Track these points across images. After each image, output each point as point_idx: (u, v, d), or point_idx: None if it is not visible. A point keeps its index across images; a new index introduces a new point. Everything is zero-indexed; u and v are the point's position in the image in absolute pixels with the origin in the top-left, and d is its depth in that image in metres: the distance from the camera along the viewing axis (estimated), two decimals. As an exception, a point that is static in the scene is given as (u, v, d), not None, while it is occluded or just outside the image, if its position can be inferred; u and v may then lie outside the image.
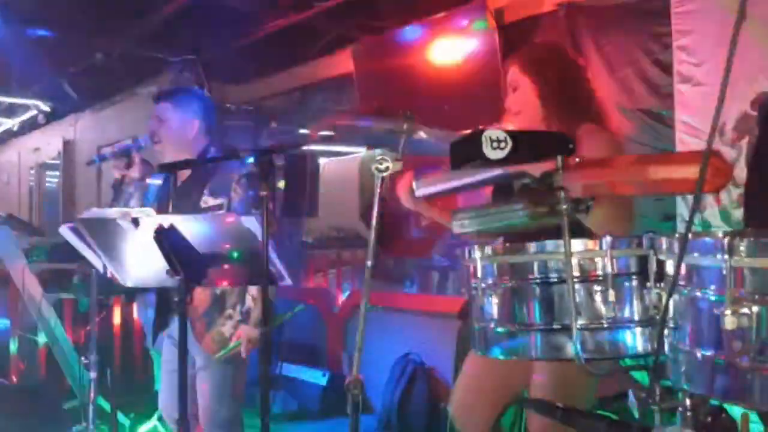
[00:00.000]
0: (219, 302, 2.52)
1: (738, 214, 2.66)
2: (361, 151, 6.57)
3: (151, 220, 2.10)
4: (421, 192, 1.83)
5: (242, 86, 6.20)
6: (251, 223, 1.93)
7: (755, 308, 0.93)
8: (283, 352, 5.00)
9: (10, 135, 9.55)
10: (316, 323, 5.21)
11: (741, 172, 2.70)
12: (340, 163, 6.73)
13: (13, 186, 9.95)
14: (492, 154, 1.12)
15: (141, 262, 2.19)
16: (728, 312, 0.94)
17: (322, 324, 5.20)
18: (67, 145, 8.53)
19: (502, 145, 1.13)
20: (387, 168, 1.50)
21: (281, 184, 6.14)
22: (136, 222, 2.06)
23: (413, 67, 4.56)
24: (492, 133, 1.13)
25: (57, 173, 9.00)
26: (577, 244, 1.24)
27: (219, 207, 2.53)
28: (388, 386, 4.35)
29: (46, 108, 8.01)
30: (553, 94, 1.95)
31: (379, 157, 1.50)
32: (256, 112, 6.39)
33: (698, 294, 1.03)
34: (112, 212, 2.27)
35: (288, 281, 2.10)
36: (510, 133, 1.15)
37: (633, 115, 3.26)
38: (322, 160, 6.55)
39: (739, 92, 2.57)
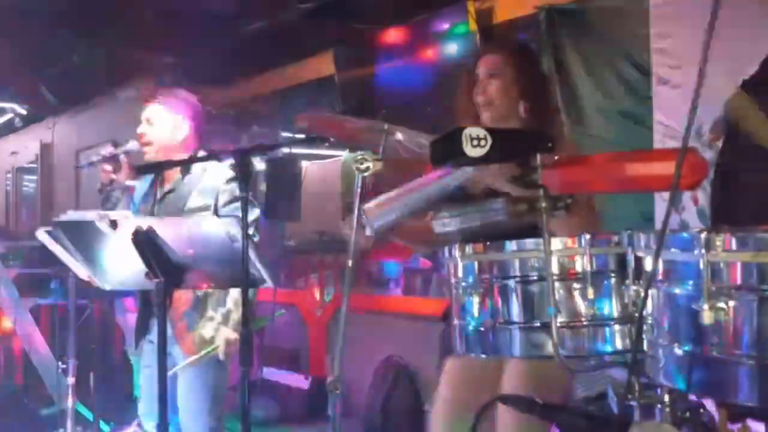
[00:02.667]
0: (200, 304, 2.51)
1: (715, 214, 2.70)
2: (343, 154, 6.56)
3: (130, 222, 2.08)
4: (377, 224, 1.67)
5: (222, 89, 6.16)
6: (231, 226, 1.92)
7: (732, 302, 0.94)
8: (265, 357, 4.97)
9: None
10: (299, 327, 5.20)
11: (718, 172, 2.74)
12: (323, 165, 6.70)
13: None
14: (472, 151, 1.13)
15: (120, 265, 2.17)
16: (706, 307, 0.95)
17: (304, 328, 5.19)
18: (45, 148, 8.42)
19: (482, 142, 1.13)
20: (368, 168, 1.50)
21: (263, 187, 6.11)
22: (114, 224, 2.04)
23: (394, 69, 4.57)
24: (472, 130, 1.13)
25: (34, 177, 8.89)
26: (557, 242, 1.25)
27: (206, 207, 2.52)
28: (372, 389, 4.35)
29: (22, 111, 7.90)
30: (532, 94, 1.97)
31: (359, 157, 1.50)
32: (237, 116, 6.36)
33: (676, 289, 1.04)
34: (90, 215, 2.25)
35: (269, 284, 2.08)
36: (490, 130, 1.15)
37: (612, 117, 3.29)
38: (303, 164, 6.53)
39: (716, 95, 2.61)
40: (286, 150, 6.46)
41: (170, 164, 2.56)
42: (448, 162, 1.19)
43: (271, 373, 4.90)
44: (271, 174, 5.98)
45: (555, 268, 1.24)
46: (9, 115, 8.17)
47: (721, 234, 0.97)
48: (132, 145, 2.64)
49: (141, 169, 2.46)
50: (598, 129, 3.31)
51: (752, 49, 2.59)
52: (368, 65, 4.74)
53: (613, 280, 1.25)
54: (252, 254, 1.94)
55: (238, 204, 2.50)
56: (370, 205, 1.57)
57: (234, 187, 2.47)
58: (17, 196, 9.43)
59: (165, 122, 2.60)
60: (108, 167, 2.68)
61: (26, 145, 8.77)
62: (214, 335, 2.48)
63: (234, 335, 2.43)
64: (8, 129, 8.66)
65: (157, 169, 2.50)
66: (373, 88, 4.70)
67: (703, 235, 0.97)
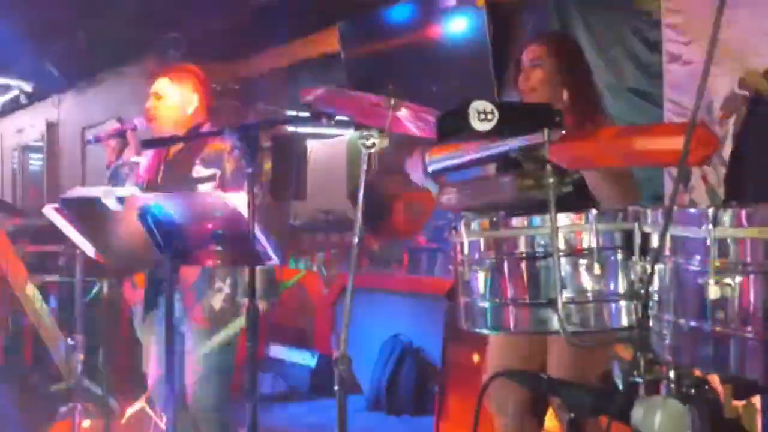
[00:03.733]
0: (209, 274, 2.51)
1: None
2: (349, 133, 6.54)
3: (137, 198, 2.08)
4: (433, 167, 1.83)
5: (228, 65, 6.13)
6: (238, 200, 1.92)
7: (738, 278, 0.94)
8: (272, 334, 5.00)
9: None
10: (305, 305, 5.22)
11: (728, 150, 2.71)
12: (328, 145, 6.70)
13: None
14: (479, 125, 1.12)
15: (127, 241, 2.18)
16: (712, 282, 0.95)
17: (310, 306, 5.21)
18: (51, 126, 8.42)
19: (490, 116, 1.12)
20: (373, 144, 1.49)
21: (268, 166, 6.11)
22: (121, 200, 2.04)
23: (401, 46, 4.53)
24: (479, 104, 1.12)
25: (40, 155, 8.90)
26: (563, 219, 1.24)
27: (211, 178, 2.51)
28: (377, 367, 4.38)
29: (28, 88, 7.89)
30: (574, 81, 2.03)
31: (365, 133, 1.49)
32: (242, 92, 6.34)
33: (682, 265, 1.04)
34: (97, 191, 2.25)
35: (276, 261, 2.09)
36: (497, 104, 1.14)
37: (622, 95, 3.26)
38: (309, 143, 6.52)
39: (727, 70, 2.57)
40: (291, 129, 6.45)
41: (175, 140, 2.56)
42: (454, 136, 1.18)
43: (278, 351, 4.93)
44: (277, 152, 5.97)
45: (561, 244, 1.24)
46: (15, 93, 8.16)
47: (729, 209, 0.96)
48: (138, 121, 2.64)
49: (146, 144, 2.46)
50: (608, 107, 3.29)
51: (765, 26, 2.56)
52: (375, 42, 4.70)
53: (619, 257, 1.25)
54: (258, 230, 1.94)
55: (243, 174, 2.51)
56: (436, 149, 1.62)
57: (239, 156, 2.46)
58: (23, 174, 9.45)
59: (173, 96, 2.59)
60: (113, 143, 2.68)
61: (32, 123, 8.77)
62: (222, 306, 2.50)
63: (261, 304, 2.44)
64: (14, 107, 8.65)
65: (162, 143, 2.49)
66: (379, 64, 4.67)
67: (710, 211, 0.96)
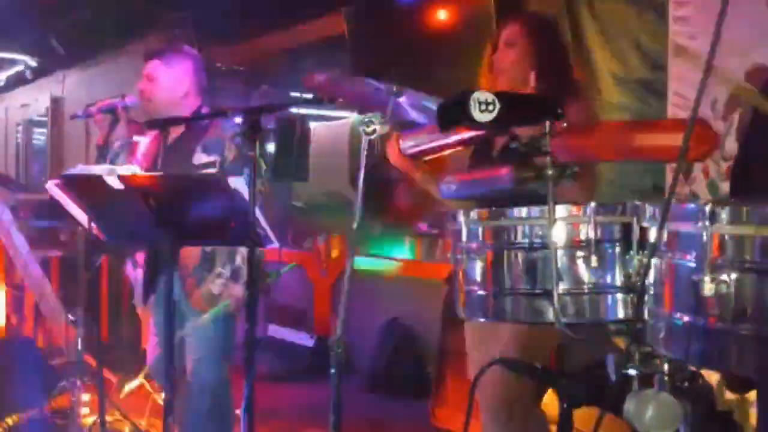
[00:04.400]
0: (209, 260, 2.52)
1: (725, 186, 2.67)
2: (352, 116, 6.52)
3: (138, 177, 2.09)
4: (407, 149, 1.85)
5: (233, 47, 6.11)
6: (239, 184, 1.93)
7: (734, 275, 0.94)
8: (271, 315, 5.03)
9: (-4, 90, 9.43)
10: (305, 287, 5.25)
11: (731, 145, 2.71)
12: (331, 127, 6.68)
13: (-1, 142, 9.85)
14: (480, 116, 1.12)
15: (127, 219, 2.19)
16: (707, 278, 0.95)
17: (310, 287, 5.24)
18: (55, 101, 8.41)
19: (491, 107, 1.12)
20: (374, 131, 1.49)
21: (271, 147, 6.10)
22: (122, 179, 2.05)
23: (407, 30, 4.50)
24: (480, 94, 1.12)
25: (44, 130, 8.90)
26: (561, 210, 1.24)
27: (212, 164, 2.52)
28: (376, 350, 4.42)
29: (33, 63, 7.87)
30: (546, 64, 1.98)
31: (366, 119, 1.49)
32: (246, 73, 6.31)
33: (679, 260, 1.05)
34: (99, 169, 2.26)
35: (275, 244, 2.10)
36: (499, 95, 1.14)
37: (627, 86, 3.25)
38: (312, 125, 6.50)
39: (733, 66, 2.56)
40: (294, 110, 6.43)
41: (178, 121, 2.55)
42: (455, 125, 1.19)
43: (277, 331, 4.96)
44: (280, 133, 5.96)
45: (559, 236, 1.24)
46: (20, 67, 8.14)
47: (726, 206, 0.96)
48: (130, 99, 2.62)
49: (148, 125, 2.45)
50: (613, 97, 3.28)
51: (765, 21, 2.54)
52: (380, 25, 4.67)
53: (617, 250, 1.25)
54: (258, 214, 1.95)
55: (244, 159, 2.51)
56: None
57: (240, 142, 2.46)
58: (27, 149, 9.45)
59: (165, 78, 2.58)
60: (102, 119, 2.66)
61: (36, 98, 8.76)
62: (222, 291, 2.51)
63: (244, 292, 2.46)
64: (19, 81, 8.64)
65: (165, 124, 2.49)
66: (384, 49, 4.64)
67: (707, 207, 0.97)
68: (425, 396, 3.72)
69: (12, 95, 9.30)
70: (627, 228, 1.24)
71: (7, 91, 9.22)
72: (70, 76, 8.09)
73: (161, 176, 2.29)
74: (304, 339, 4.80)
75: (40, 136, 9.24)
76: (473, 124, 1.12)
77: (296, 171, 5.99)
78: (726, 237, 0.96)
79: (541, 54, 2.01)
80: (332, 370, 1.50)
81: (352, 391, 4.34)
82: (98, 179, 2.08)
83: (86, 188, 2.18)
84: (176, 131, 2.60)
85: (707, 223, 0.97)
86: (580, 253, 1.23)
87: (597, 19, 3.35)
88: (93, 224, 2.30)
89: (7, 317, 4.41)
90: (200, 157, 2.52)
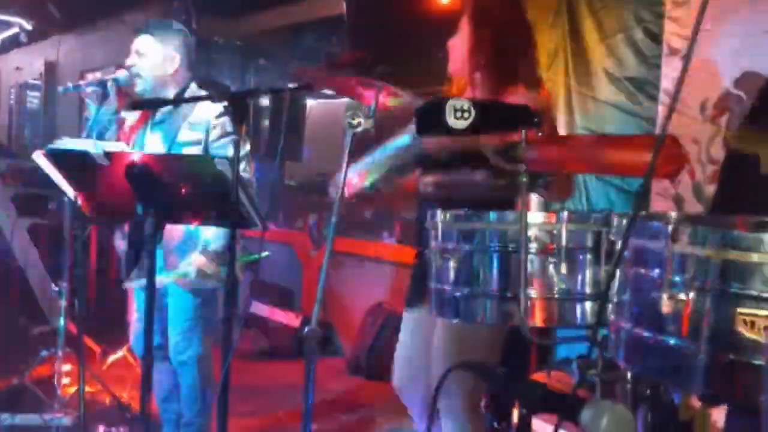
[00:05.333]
0: (192, 237, 2.53)
1: (710, 189, 2.69)
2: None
3: (124, 154, 2.08)
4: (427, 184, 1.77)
5: (232, 21, 6.06)
6: (224, 166, 1.93)
7: (692, 294, 0.96)
8: (258, 293, 5.05)
9: (-11, 51, 9.34)
10: (294, 266, 5.26)
11: (718, 149, 2.72)
12: (327, 105, 6.64)
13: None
14: (455, 123, 1.12)
15: (111, 195, 2.19)
16: (665, 296, 0.97)
17: (299, 267, 5.25)
18: (49, 66, 8.34)
19: (466, 114, 1.12)
20: (359, 123, 1.49)
21: (266, 123, 6.07)
22: (108, 156, 2.05)
23: (406, 11, 4.45)
24: (456, 102, 1.12)
25: (38, 93, 8.83)
26: (535, 216, 1.26)
27: (197, 142, 2.52)
28: (360, 332, 4.44)
29: (28, 26, 7.78)
30: (485, 49, 1.89)
31: (350, 113, 1.50)
32: (244, 47, 6.27)
33: (642, 275, 1.06)
34: (85, 143, 2.26)
35: (259, 226, 2.10)
36: (475, 102, 1.14)
37: (620, 84, 3.25)
38: (309, 102, 6.47)
39: (723, 69, 2.56)
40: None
41: (164, 102, 2.55)
42: (432, 131, 1.19)
43: (263, 310, 4.98)
44: (275, 111, 5.93)
45: (532, 241, 1.25)
46: (15, 30, 8.05)
47: (688, 227, 0.98)
48: (120, 73, 2.61)
49: (135, 105, 2.45)
50: (606, 93, 3.28)
51: (765, 25, 2.54)
52: (379, 7, 4.62)
53: (588, 257, 1.27)
54: (242, 195, 1.95)
55: (229, 139, 2.52)
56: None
57: (225, 121, 2.46)
58: (20, 112, 9.38)
59: (155, 54, 2.58)
60: (91, 92, 2.64)
61: (31, 62, 8.68)
62: (201, 269, 2.52)
63: (209, 265, 2.47)
64: (13, 44, 8.55)
65: (151, 105, 2.49)
66: (382, 30, 4.60)
67: (670, 227, 0.98)
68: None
69: (6, 58, 9.21)
70: (598, 237, 1.26)
71: (2, 52, 9.13)
72: (66, 41, 8.01)
73: (147, 155, 2.29)
74: (290, 319, 4.82)
75: (33, 99, 9.17)
76: (448, 131, 1.12)
77: (291, 150, 5.97)
78: (686, 256, 0.97)
79: (480, 41, 1.89)
80: (305, 363, 1.51)
81: (334, 370, 4.40)
82: (84, 154, 2.07)
83: (72, 162, 2.17)
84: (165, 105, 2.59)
85: (669, 241, 0.98)
86: (551, 259, 1.24)
87: (595, 15, 3.34)
88: (78, 197, 2.29)
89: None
90: (186, 134, 2.52)
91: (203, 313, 2.62)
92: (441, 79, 2.10)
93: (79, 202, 2.33)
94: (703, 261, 0.94)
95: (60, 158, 2.18)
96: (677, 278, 0.97)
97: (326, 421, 3.54)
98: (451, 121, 1.11)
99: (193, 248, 2.55)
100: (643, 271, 1.04)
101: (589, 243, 1.26)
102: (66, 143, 2.36)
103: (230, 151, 2.52)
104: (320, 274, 1.52)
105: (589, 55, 3.37)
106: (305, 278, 5.18)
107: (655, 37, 3.03)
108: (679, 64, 2.86)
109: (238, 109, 1.86)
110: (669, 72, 2.92)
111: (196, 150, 2.50)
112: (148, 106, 2.50)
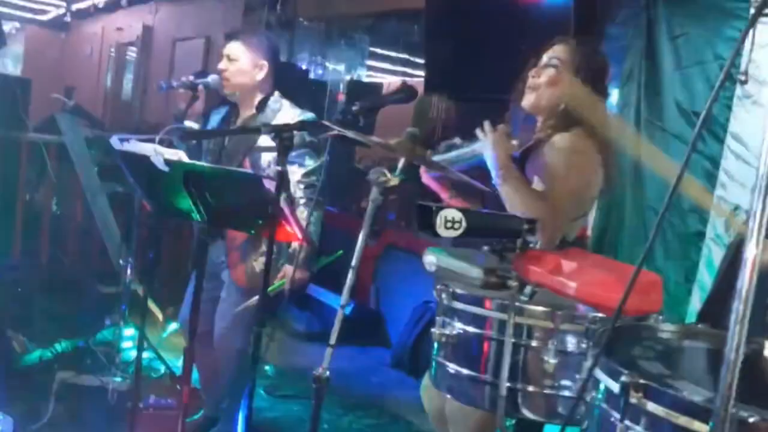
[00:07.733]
0: (256, 238, 2.61)
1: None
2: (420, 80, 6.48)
3: (182, 164, 2.19)
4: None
5: (317, 3, 6.13)
6: (269, 185, 2.00)
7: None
8: (317, 275, 5.15)
9: (96, 9, 9.82)
10: (351, 252, 5.32)
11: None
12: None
13: (94, 59, 10.29)
14: (444, 232, 1.16)
15: (169, 196, 2.31)
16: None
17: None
18: (146, 30, 8.69)
19: (456, 225, 1.16)
20: (386, 181, 1.54)
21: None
22: (167, 163, 2.16)
23: (488, 4, 4.32)
24: (448, 212, 1.16)
25: (134, 55, 9.24)
26: (530, 312, 1.28)
27: (273, 149, 2.58)
28: (406, 328, 4.51)
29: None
30: (577, 93, 1.95)
31: (378, 172, 1.55)
32: (327, 31, 6.35)
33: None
34: (148, 149, 2.39)
35: (299, 238, 2.18)
36: (466, 213, 1.17)
37: (690, 118, 3.11)
38: (386, 78, 6.48)
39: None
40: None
41: (212, 134, 2.65)
42: (426, 231, 1.23)
43: (318, 292, 5.09)
44: (350, 96, 6.00)
45: (523, 335, 1.28)
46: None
47: (639, 391, 0.96)
48: (212, 78, 2.69)
49: (184, 137, 2.54)
50: (674, 127, 3.15)
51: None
52: (460, 8, 4.54)
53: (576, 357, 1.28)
54: (288, 213, 2.03)
55: (303, 150, 2.60)
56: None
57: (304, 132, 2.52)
58: (118, 69, 9.82)
59: (244, 61, 2.67)
60: (183, 93, 2.76)
61: (130, 24, 9.08)
62: (264, 269, 2.62)
63: (300, 274, 2.58)
64: (117, 5, 8.99)
65: (203, 136, 2.59)
66: (460, 30, 4.52)
67: (618, 385, 0.97)
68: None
69: (110, 17, 9.67)
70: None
71: (106, 13, 9.60)
72: (162, 7, 8.32)
73: (201, 166, 2.41)
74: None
75: (132, 53, 9.57)
76: (437, 237, 1.16)
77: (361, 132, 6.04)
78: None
79: (577, 84, 1.95)
80: (312, 405, 1.58)
81: (379, 361, 4.48)
82: (145, 158, 2.20)
83: (135, 162, 2.31)
84: (245, 110, 2.71)
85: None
86: (542, 354, 1.27)
87: (674, 41, 3.20)
88: (142, 195, 2.45)
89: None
90: (264, 139, 2.61)
91: (251, 310, 2.73)
92: (509, 87, 2.14)
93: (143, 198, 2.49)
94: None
95: (127, 157, 2.32)
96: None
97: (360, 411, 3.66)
98: (441, 230, 1.15)
99: (255, 248, 2.63)
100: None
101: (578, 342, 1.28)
102: (131, 146, 2.49)
103: (307, 161, 2.62)
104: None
105: (662, 81, 3.24)
106: (360, 267, 5.25)
107: (731, 76, 2.88)
108: (750, 109, 2.73)
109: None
110: (738, 113, 2.79)
111: (272, 157, 2.57)
112: (199, 137, 2.61)
